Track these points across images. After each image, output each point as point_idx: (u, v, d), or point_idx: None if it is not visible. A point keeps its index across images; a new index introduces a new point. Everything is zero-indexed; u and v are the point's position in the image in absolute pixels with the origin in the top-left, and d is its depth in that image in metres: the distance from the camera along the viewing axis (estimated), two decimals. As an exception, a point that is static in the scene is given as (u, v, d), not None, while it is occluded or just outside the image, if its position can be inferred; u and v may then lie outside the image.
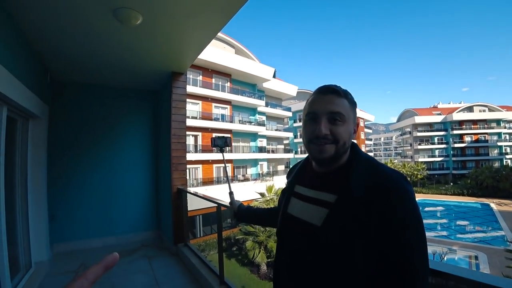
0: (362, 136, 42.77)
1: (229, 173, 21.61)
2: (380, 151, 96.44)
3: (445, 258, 15.50)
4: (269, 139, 27.36)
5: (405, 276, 0.69)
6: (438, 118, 46.80)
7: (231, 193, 1.77)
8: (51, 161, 3.90)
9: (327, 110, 0.83)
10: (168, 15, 2.52)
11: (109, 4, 2.29)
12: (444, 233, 22.15)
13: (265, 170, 25.70)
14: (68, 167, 4.29)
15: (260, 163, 24.95)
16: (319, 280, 0.79)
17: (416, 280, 0.69)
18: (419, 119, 47.22)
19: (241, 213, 1.53)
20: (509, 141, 44.34)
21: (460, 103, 53.73)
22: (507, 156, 43.36)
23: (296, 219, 0.93)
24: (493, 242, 19.02)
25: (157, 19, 2.58)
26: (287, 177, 1.14)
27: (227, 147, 2.00)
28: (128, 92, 4.85)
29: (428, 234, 21.42)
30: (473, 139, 44.30)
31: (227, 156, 20.59)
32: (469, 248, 17.92)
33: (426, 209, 30.29)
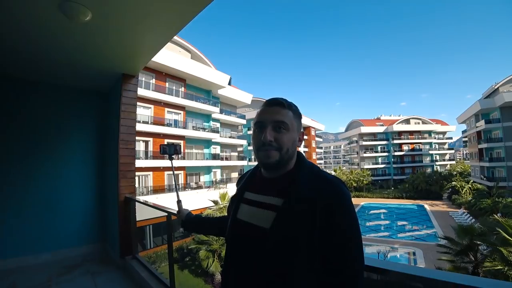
0: (313, 145, 44.70)
1: (181, 181, 21.00)
2: (330, 158, 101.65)
3: (388, 256, 16.81)
4: (223, 146, 27.26)
5: (345, 263, 0.81)
6: (381, 129, 51.18)
7: (179, 202, 1.72)
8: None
9: (272, 119, 0.93)
10: (119, 13, 2.38)
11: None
12: (387, 233, 24.04)
13: (218, 177, 25.49)
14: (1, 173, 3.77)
15: (213, 170, 24.68)
16: (270, 282, 0.83)
17: (356, 272, 0.81)
18: (364, 129, 51.10)
19: (189, 222, 1.49)
20: (438, 150, 50.20)
21: (399, 115, 59.36)
22: (437, 163, 49.01)
23: (246, 223, 0.97)
24: (427, 238, 21.25)
25: (108, 16, 2.43)
26: (237, 185, 1.18)
27: (176, 155, 1.95)
28: (72, 91, 4.41)
29: (374, 235, 23.09)
30: (410, 148, 49.30)
31: (180, 163, 20.00)
32: (408, 246, 19.77)
33: (371, 212, 32.68)
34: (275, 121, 0.92)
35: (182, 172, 20.99)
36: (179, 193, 1.88)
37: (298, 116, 0.99)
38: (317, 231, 0.80)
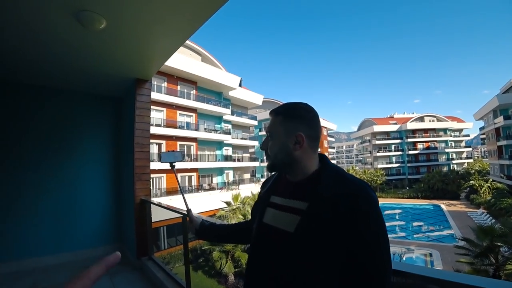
0: (326, 144, 44.32)
1: (194, 182, 21.16)
2: (343, 158, 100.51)
3: (404, 257, 16.47)
4: (235, 147, 27.35)
5: (372, 274, 0.78)
6: (394, 127, 50.20)
7: (189, 211, 1.65)
8: (1, 170, 3.54)
9: (265, 130, 1.04)
10: (133, 20, 2.45)
11: (71, 6, 2.17)
12: (403, 234, 23.56)
13: (231, 178, 25.56)
14: (17, 177, 3.89)
15: (226, 171, 24.77)
16: (294, 285, 0.82)
17: (382, 277, 0.78)
18: (377, 128, 50.26)
19: (204, 230, 1.45)
20: (455, 148, 48.77)
21: (413, 113, 58.01)
22: (453, 162, 47.63)
23: (271, 227, 0.96)
24: (445, 239, 20.64)
25: (122, 24, 2.50)
26: (262, 188, 1.18)
27: (177, 162, 1.78)
28: (88, 97, 4.55)
29: (389, 236, 22.59)
30: (425, 146, 48.13)
31: (192, 165, 20.19)
32: (424, 247, 19.28)
33: (386, 212, 32.05)
34: (266, 131, 1.03)
35: (195, 173, 21.17)
36: (187, 199, 1.76)
37: (291, 118, 0.96)
38: (342, 237, 0.78)
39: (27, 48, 2.94)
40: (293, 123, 0.95)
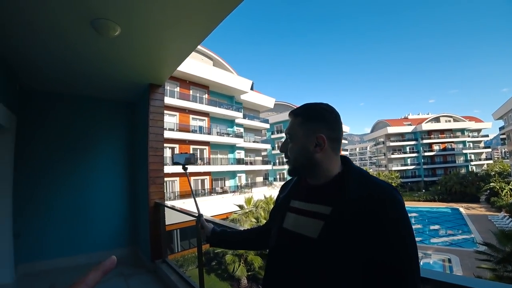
0: (338, 146, 43.61)
1: (207, 185, 21.29)
2: (356, 161, 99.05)
3: (421, 262, 15.90)
4: (247, 151, 27.38)
5: (401, 282, 0.72)
6: (409, 129, 49.12)
7: (200, 216, 1.59)
8: (18, 174, 3.66)
9: (284, 132, 1.01)
10: (146, 27, 2.51)
11: (87, 14, 2.25)
12: (419, 238, 22.88)
13: (243, 182, 25.59)
14: (36, 181, 4.03)
15: (238, 175, 24.82)
16: None
17: (411, 279, 0.73)
18: (391, 130, 49.31)
19: (215, 237, 1.41)
20: (473, 149, 47.24)
21: (428, 114, 56.74)
22: (472, 163, 46.12)
23: (292, 232, 0.93)
24: (464, 244, 19.94)
25: (136, 30, 2.56)
26: (280, 192, 1.15)
27: (190, 164, 1.75)
28: (103, 103, 4.69)
29: (404, 240, 22.02)
30: (441, 148, 46.82)
31: (205, 168, 20.34)
32: (442, 252, 18.66)
33: (401, 216, 31.21)
34: (285, 133, 0.99)
35: (207, 177, 21.32)
36: (198, 204, 1.74)
37: (312, 119, 0.92)
38: (368, 243, 0.74)
39: (47, 57, 3.07)
40: (314, 125, 0.91)
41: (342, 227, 0.78)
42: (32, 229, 3.92)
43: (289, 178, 1.14)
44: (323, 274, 0.78)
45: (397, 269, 0.73)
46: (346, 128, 50.06)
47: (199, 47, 20.96)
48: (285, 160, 0.99)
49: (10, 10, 2.16)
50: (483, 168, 44.47)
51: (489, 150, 51.51)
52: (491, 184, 32.31)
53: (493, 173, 36.07)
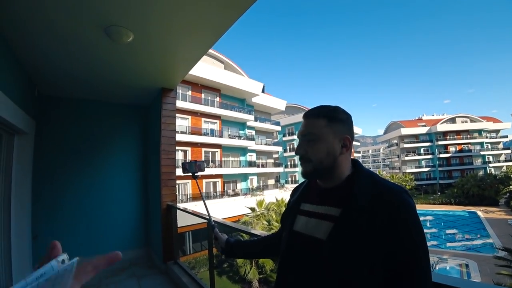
0: (351, 148, 43.15)
1: (219, 188, 21.39)
2: (369, 163, 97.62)
3: (437, 267, 15.56)
4: (259, 153, 27.41)
5: (412, 280, 0.73)
6: (423, 130, 48.05)
7: (213, 226, 1.57)
8: (36, 177, 3.79)
9: (301, 133, 0.95)
10: (159, 33, 2.56)
11: (101, 22, 2.32)
12: (435, 242, 22.29)
13: (255, 184, 25.59)
14: (54, 184, 4.16)
15: (250, 177, 24.86)
16: None
17: (422, 283, 0.73)
18: (405, 131, 48.37)
19: (230, 248, 1.40)
20: (491, 150, 45.76)
21: (443, 114, 55.43)
22: (490, 165, 44.68)
23: (302, 235, 0.94)
24: (482, 249, 19.28)
25: (148, 37, 2.62)
26: (291, 196, 1.15)
27: (200, 172, 1.76)
28: (117, 107, 4.81)
29: (419, 244, 21.46)
30: (457, 149, 45.56)
31: (217, 171, 20.46)
32: (459, 257, 18.07)
33: (416, 219, 30.48)
34: (303, 134, 0.94)
35: (219, 179, 21.44)
36: (210, 212, 1.71)
37: (336, 121, 0.92)
38: (378, 245, 0.74)
39: (63, 64, 3.18)
40: (339, 126, 0.93)
41: (351, 229, 0.79)
42: (49, 231, 4.04)
43: (301, 180, 1.14)
44: (334, 275, 0.78)
45: (408, 271, 0.73)
46: (358, 130, 49.44)
47: (210, 50, 21.24)
48: (300, 162, 0.95)
49: (28, 21, 2.26)
50: (502, 170, 42.88)
51: (509, 151, 49.70)
52: (511, 186, 31.18)
53: (513, 175, 34.81)
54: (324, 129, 0.91)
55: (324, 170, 0.92)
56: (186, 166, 1.72)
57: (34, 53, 2.89)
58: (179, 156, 19.09)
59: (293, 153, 35.07)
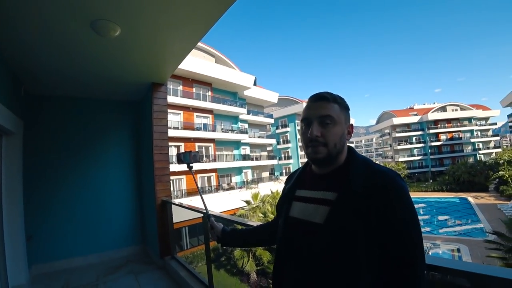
0: (344, 139, 43.38)
1: (214, 182, 21.40)
2: (362, 153, 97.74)
3: (430, 252, 15.93)
4: (252, 146, 27.42)
5: (407, 267, 0.76)
6: (415, 119, 48.62)
7: (209, 216, 1.59)
8: (28, 177, 3.72)
9: (318, 115, 0.91)
10: (146, 26, 2.51)
11: (87, 16, 2.26)
12: (427, 228, 22.81)
13: (249, 177, 25.66)
14: (46, 184, 4.10)
15: (244, 170, 24.91)
16: (325, 278, 0.81)
17: (417, 270, 0.76)
18: (397, 120, 48.85)
19: (226, 237, 1.42)
20: (481, 137, 46.63)
21: (434, 103, 56.00)
22: (480, 152, 45.58)
23: (299, 220, 0.95)
24: (473, 234, 19.81)
25: (136, 30, 2.56)
26: (286, 183, 1.16)
27: (196, 162, 1.76)
28: (107, 103, 4.73)
29: (412, 231, 21.97)
30: (448, 137, 46.32)
31: (211, 165, 20.42)
32: (451, 242, 18.59)
33: (409, 206, 31.06)
34: (321, 116, 0.91)
35: (214, 174, 21.42)
36: (206, 204, 1.72)
37: (345, 108, 0.96)
38: (373, 226, 0.77)
39: (49, 61, 3.10)
40: (347, 114, 0.97)
41: (347, 212, 0.81)
42: (44, 231, 4.00)
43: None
44: (332, 258, 0.80)
45: (402, 251, 0.76)
46: (351, 120, 49.45)
47: (200, 44, 21.04)
48: (311, 146, 0.91)
49: (11, 15, 2.18)
50: (491, 156, 43.79)
51: (498, 138, 50.83)
52: (500, 172, 31.87)
53: (502, 161, 35.46)
54: (340, 113, 0.93)
55: (335, 156, 0.92)
56: (181, 157, 1.72)
57: (19, 51, 2.81)
58: (173, 151, 18.97)
59: (286, 145, 35.21)
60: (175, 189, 18.67)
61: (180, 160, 1.72)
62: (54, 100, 4.29)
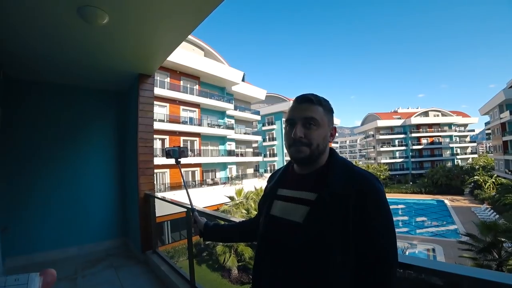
0: (329, 139, 43.97)
1: (198, 177, 21.26)
2: (346, 153, 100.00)
3: (407, 252, 16.47)
4: (238, 142, 27.34)
5: (381, 265, 0.80)
6: (398, 122, 49.86)
7: (193, 210, 1.63)
8: (4, 167, 3.59)
9: (302, 116, 0.94)
10: (135, 16, 2.45)
11: (73, 1, 2.18)
12: (405, 229, 23.56)
13: (234, 173, 25.59)
14: (23, 173, 3.95)
15: (229, 166, 24.81)
16: (304, 276, 0.83)
17: (389, 268, 0.81)
18: (381, 123, 49.96)
19: (208, 231, 1.43)
20: (459, 143, 48.42)
21: (417, 108, 57.59)
22: (458, 157, 47.34)
23: (279, 219, 0.98)
24: (448, 235, 20.64)
25: (124, 19, 2.50)
26: (268, 182, 1.18)
27: (184, 157, 1.79)
28: (92, 92, 4.58)
29: (391, 231, 22.64)
30: (429, 141, 47.82)
31: (196, 160, 20.25)
32: (427, 242, 19.30)
33: (389, 207, 31.93)
34: (305, 117, 0.93)
35: (198, 168, 21.26)
36: (191, 198, 1.74)
37: (329, 111, 0.99)
38: (350, 226, 0.80)
39: (31, 45, 2.97)
40: (330, 117, 1.00)
41: (326, 212, 0.84)
42: (21, 222, 3.85)
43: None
44: (310, 256, 0.83)
45: (375, 251, 0.81)
46: (337, 121, 50.44)
47: (190, 37, 20.69)
48: (294, 146, 0.94)
49: (-8, -6, 2.08)
50: (468, 161, 45.75)
51: (475, 144, 52.92)
52: (475, 177, 33.36)
53: (478, 166, 37.23)
54: (324, 116, 0.96)
55: (317, 156, 0.95)
56: (170, 152, 1.73)
57: (-1, 31, 2.68)
58: (157, 144, 18.68)
59: (272, 143, 35.35)
60: (158, 182, 18.40)
61: (168, 155, 1.73)
62: (36, 86, 4.11)
